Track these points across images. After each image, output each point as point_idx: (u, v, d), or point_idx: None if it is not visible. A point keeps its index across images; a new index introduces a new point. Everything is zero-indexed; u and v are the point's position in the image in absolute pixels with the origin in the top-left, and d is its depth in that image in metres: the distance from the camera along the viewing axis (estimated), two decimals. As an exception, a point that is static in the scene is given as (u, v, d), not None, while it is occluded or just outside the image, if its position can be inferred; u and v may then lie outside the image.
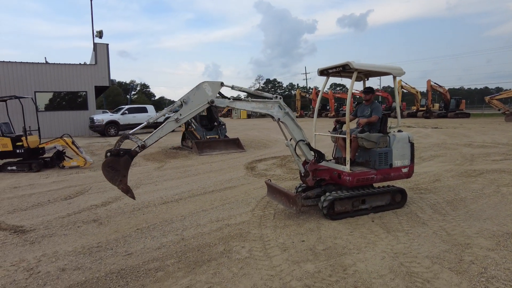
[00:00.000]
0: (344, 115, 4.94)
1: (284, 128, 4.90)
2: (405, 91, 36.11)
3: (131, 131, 4.27)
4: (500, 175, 7.24)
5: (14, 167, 9.51)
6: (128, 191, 4.14)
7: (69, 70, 21.35)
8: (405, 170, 5.15)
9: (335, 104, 42.26)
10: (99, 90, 24.84)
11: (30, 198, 6.49)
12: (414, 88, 35.96)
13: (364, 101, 5.54)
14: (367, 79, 5.77)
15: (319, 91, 6.25)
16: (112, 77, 23.46)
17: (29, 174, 9.10)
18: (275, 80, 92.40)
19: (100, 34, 23.44)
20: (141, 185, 7.37)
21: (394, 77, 5.18)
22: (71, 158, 9.92)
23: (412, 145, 5.21)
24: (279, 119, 4.75)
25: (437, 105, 36.64)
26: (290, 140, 4.92)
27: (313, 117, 5.74)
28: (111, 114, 22.17)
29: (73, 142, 9.70)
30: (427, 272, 3.21)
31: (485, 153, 10.27)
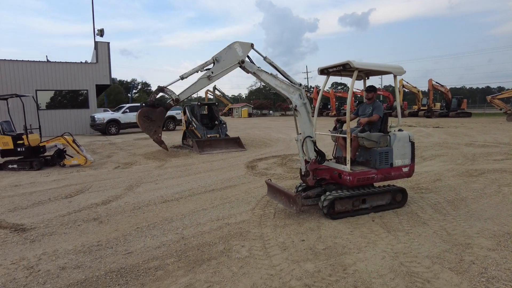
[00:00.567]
0: (345, 114, 4.92)
1: (298, 119, 4.88)
2: (406, 90, 36.05)
3: (166, 85, 4.35)
4: (502, 174, 7.22)
5: (15, 165, 9.53)
6: (161, 142, 4.36)
7: (70, 68, 21.37)
8: (405, 169, 5.14)
9: (336, 103, 42.21)
10: (100, 88, 24.86)
11: (30, 197, 6.50)
12: (415, 87, 35.91)
13: (366, 100, 5.52)
14: (368, 78, 5.75)
15: (320, 90, 6.24)
16: (113, 76, 23.61)
17: (30, 173, 9.11)
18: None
19: (101, 32, 23.44)
20: (142, 183, 7.37)
21: (395, 76, 5.16)
22: (72, 157, 9.93)
23: (412, 144, 5.19)
24: (296, 106, 4.73)
25: (438, 105, 36.58)
26: (300, 135, 4.89)
27: (313, 116, 5.72)
28: (112, 112, 22.20)
29: (74, 141, 9.70)
30: (427, 272, 3.20)
31: (487, 152, 10.24)
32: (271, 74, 4.69)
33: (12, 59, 20.12)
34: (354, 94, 36.25)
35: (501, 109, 28.03)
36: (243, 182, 7.22)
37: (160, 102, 4.21)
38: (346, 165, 4.76)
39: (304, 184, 5.24)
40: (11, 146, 9.48)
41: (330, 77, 5.51)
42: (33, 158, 9.61)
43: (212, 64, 4.40)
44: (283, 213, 5.04)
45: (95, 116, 20.51)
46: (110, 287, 3.13)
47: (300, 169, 5.04)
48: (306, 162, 4.91)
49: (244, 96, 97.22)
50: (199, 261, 3.58)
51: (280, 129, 22.41)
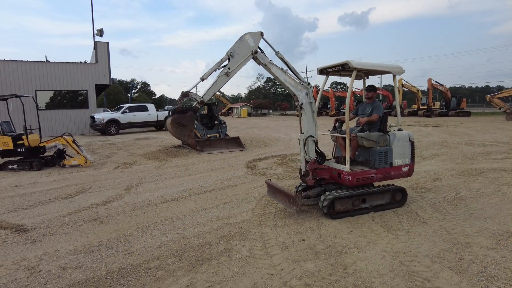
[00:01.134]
0: (344, 113, 4.94)
1: (302, 118, 4.91)
2: (406, 89, 36.07)
3: (189, 89, 4.59)
4: (501, 174, 7.24)
5: (15, 166, 9.53)
6: (195, 145, 4.54)
7: (69, 68, 21.36)
8: (405, 169, 5.15)
9: (336, 102, 42.21)
10: (99, 88, 24.86)
11: (31, 197, 6.51)
12: (415, 86, 35.93)
13: (366, 99, 5.53)
14: (367, 78, 5.76)
15: (319, 89, 6.25)
16: (112, 76, 23.46)
17: (30, 173, 9.12)
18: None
19: (100, 32, 23.44)
20: (142, 183, 7.38)
21: (394, 76, 5.17)
22: (72, 157, 9.94)
23: (412, 143, 5.20)
24: (302, 104, 4.76)
25: (438, 104, 36.61)
26: (303, 134, 4.90)
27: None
28: (112, 112, 22.19)
29: (73, 141, 9.71)
30: (427, 271, 3.22)
31: (486, 152, 10.26)
32: (281, 68, 4.75)
33: (11, 59, 20.13)
34: (353, 93, 36.27)
35: (500, 108, 28.04)
36: (243, 182, 7.24)
37: (188, 107, 4.41)
38: (345, 164, 4.77)
39: (304, 184, 5.25)
40: (11, 146, 9.49)
41: (330, 76, 5.52)
42: (33, 158, 9.61)
43: (228, 60, 4.49)
44: (283, 212, 5.05)
45: (95, 116, 20.50)
46: (111, 287, 3.14)
47: (300, 169, 5.05)
48: (307, 162, 4.93)
49: (243, 96, 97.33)
50: (199, 261, 3.59)
51: (279, 129, 22.42)
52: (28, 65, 20.37)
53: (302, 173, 4.98)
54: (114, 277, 3.31)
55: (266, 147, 13.19)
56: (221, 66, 4.53)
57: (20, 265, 3.61)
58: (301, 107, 4.79)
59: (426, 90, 35.50)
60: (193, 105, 4.42)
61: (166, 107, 47.22)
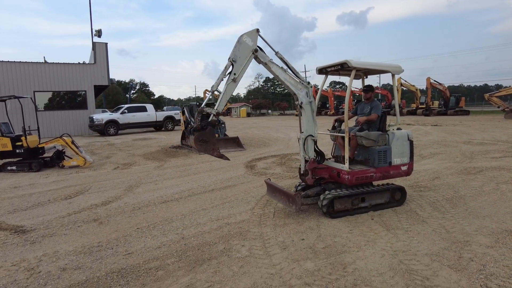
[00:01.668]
0: (343, 113, 4.94)
1: (302, 117, 4.92)
2: (404, 88, 36.12)
3: (202, 105, 4.66)
4: (500, 172, 7.26)
5: (14, 167, 9.52)
6: (222, 156, 4.61)
7: (68, 69, 21.33)
8: (404, 168, 5.16)
9: (335, 102, 42.24)
10: (98, 89, 24.81)
11: (30, 198, 6.50)
12: (413, 85, 35.99)
13: (364, 100, 5.54)
14: (366, 77, 5.76)
15: (318, 89, 6.26)
16: (111, 76, 23.42)
17: (29, 174, 9.11)
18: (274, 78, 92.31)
19: (99, 33, 23.41)
20: (141, 184, 7.38)
21: (393, 75, 5.18)
22: (71, 158, 9.93)
23: (411, 143, 5.21)
24: (301, 103, 4.77)
25: (436, 103, 36.67)
26: (303, 133, 4.91)
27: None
28: (111, 113, 22.15)
29: (72, 142, 9.70)
30: (426, 270, 3.23)
31: (485, 150, 10.28)
32: (281, 67, 4.76)
33: (9, 60, 20.08)
34: (352, 93, 36.30)
35: (499, 107, 28.14)
36: (242, 182, 7.24)
37: (206, 122, 4.49)
38: (344, 164, 4.78)
39: (303, 183, 5.25)
40: (9, 147, 9.48)
41: (329, 76, 5.53)
42: (32, 159, 9.60)
43: (231, 67, 4.51)
44: (283, 212, 5.06)
45: (94, 117, 20.47)
46: (111, 288, 3.14)
47: (299, 168, 5.05)
48: (306, 161, 4.93)
49: (242, 95, 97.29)
50: (199, 261, 3.59)
51: (279, 129, 22.43)
52: (27, 66, 20.34)
53: (302, 172, 4.98)
54: (114, 277, 3.31)
55: (265, 147, 13.19)
56: (226, 74, 4.56)
57: (20, 266, 3.61)
58: (300, 106, 4.80)
59: (425, 89, 35.56)
60: (210, 120, 4.49)
61: (165, 108, 47.15)
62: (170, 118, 23.24)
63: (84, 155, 9.78)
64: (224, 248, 3.89)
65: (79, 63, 22.10)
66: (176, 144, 14.09)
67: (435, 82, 33.87)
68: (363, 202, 4.93)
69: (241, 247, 3.90)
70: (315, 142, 4.89)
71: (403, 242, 3.86)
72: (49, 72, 20.86)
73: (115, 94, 65.16)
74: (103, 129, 20.28)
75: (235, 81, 4.53)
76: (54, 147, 9.97)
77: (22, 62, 20.35)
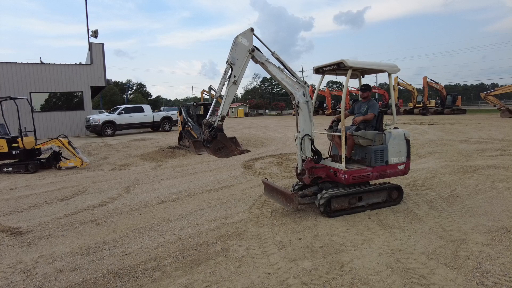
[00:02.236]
0: (340, 112, 4.95)
1: (299, 117, 4.93)
2: (401, 88, 36.23)
3: (206, 117, 4.73)
4: (496, 170, 7.29)
5: (10, 169, 9.46)
6: (243, 151, 4.77)
7: (64, 70, 21.23)
8: (401, 167, 5.18)
9: (332, 101, 42.31)
10: (95, 90, 24.74)
11: (26, 200, 6.47)
12: (410, 84, 36.10)
13: (361, 99, 5.55)
14: (363, 77, 5.77)
15: (315, 88, 6.27)
16: (108, 77, 23.39)
17: (25, 175, 9.06)
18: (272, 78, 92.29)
19: (95, 33, 23.34)
20: (138, 185, 7.36)
21: (389, 74, 5.19)
22: (68, 159, 9.89)
23: (408, 142, 5.23)
24: (298, 102, 4.78)
25: (433, 102, 36.80)
26: (299, 133, 4.91)
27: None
28: (108, 114, 22.08)
29: (69, 143, 9.66)
30: (423, 268, 3.24)
31: (481, 149, 10.33)
32: (278, 67, 4.77)
33: (5, 61, 19.96)
34: (349, 92, 36.38)
35: (495, 106, 28.25)
36: (240, 182, 7.24)
37: (215, 131, 4.59)
38: (341, 163, 4.78)
39: (300, 183, 5.26)
40: (5, 149, 9.43)
41: (326, 76, 5.53)
42: (28, 161, 9.56)
43: (230, 69, 4.51)
44: (280, 212, 5.06)
45: (91, 118, 20.39)
46: (108, 289, 3.13)
47: (296, 168, 5.06)
48: (303, 160, 4.94)
49: (240, 95, 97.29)
50: (197, 261, 3.59)
51: (276, 129, 22.44)
52: (23, 67, 20.23)
53: (299, 171, 4.99)
54: (111, 278, 3.30)
55: (263, 147, 13.19)
56: (227, 77, 4.57)
57: (16, 268, 3.59)
58: (297, 106, 4.81)
59: (421, 88, 35.67)
60: (216, 125, 4.56)
61: (162, 108, 47.03)
62: (167, 119, 23.20)
63: (81, 156, 9.74)
64: (221, 248, 3.89)
65: (75, 64, 22.01)
66: (173, 145, 14.07)
67: (431, 81, 33.98)
68: (360, 201, 4.94)
69: (239, 247, 3.90)
70: (312, 142, 4.90)
71: (400, 241, 3.87)
72: (45, 73, 20.76)
73: (112, 94, 64.94)
74: (100, 130, 20.21)
75: (235, 83, 4.55)
76: (51, 148, 9.92)
77: (18, 63, 20.23)
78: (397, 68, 5.16)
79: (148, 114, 22.44)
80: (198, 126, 13.42)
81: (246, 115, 53.24)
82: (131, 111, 21.98)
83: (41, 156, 10.15)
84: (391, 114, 5.45)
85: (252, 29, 4.60)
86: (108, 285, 3.19)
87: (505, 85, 29.27)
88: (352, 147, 5.17)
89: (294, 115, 5.13)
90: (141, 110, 22.52)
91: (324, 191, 4.78)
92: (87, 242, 4.22)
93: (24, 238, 4.44)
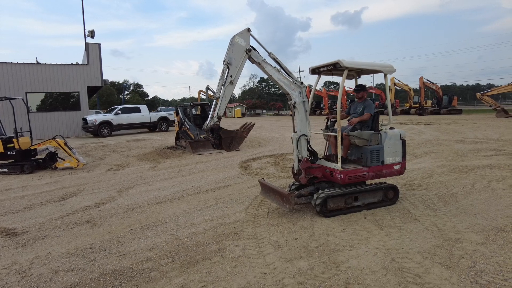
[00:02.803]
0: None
1: (295, 117, 4.95)
2: (398, 88, 36.38)
3: (204, 124, 4.93)
4: (491, 170, 7.35)
5: (5, 169, 9.41)
6: (250, 127, 5.00)
7: (60, 70, 21.14)
8: (397, 167, 5.20)
9: (329, 102, 42.41)
10: (92, 90, 24.65)
11: (22, 200, 6.44)
12: (407, 85, 36.27)
13: (356, 99, 5.58)
14: (359, 77, 5.80)
15: (312, 89, 6.29)
16: (105, 77, 23.29)
17: (21, 176, 9.01)
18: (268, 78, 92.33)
19: (92, 33, 23.25)
20: (135, 185, 7.34)
21: (385, 75, 5.21)
22: (64, 159, 9.84)
23: (404, 142, 5.25)
24: (295, 103, 4.80)
25: (429, 102, 36.98)
26: (296, 133, 4.93)
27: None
28: (104, 114, 22.01)
29: (65, 143, 9.62)
30: (418, 267, 3.26)
31: (477, 148, 10.40)
32: (275, 67, 4.79)
33: (1, 61, 19.84)
34: (346, 92, 36.48)
35: (490, 106, 28.41)
36: (236, 182, 7.24)
37: (216, 130, 4.86)
38: (337, 163, 4.80)
39: (297, 183, 5.27)
40: (1, 149, 9.38)
41: (322, 76, 5.55)
42: (24, 161, 9.51)
43: (227, 70, 4.53)
44: (277, 212, 5.07)
45: (87, 118, 20.32)
46: (104, 289, 3.12)
47: (293, 168, 5.07)
48: (299, 160, 4.95)
49: (237, 96, 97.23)
50: (193, 261, 3.59)
51: (273, 129, 22.46)
52: (19, 67, 20.12)
53: (295, 171, 5.00)
54: (107, 279, 3.30)
55: (260, 147, 13.19)
56: (224, 77, 4.59)
57: (11, 269, 3.57)
58: (294, 106, 4.82)
59: (418, 88, 35.85)
60: (213, 124, 4.71)
61: (159, 108, 46.90)
62: (164, 119, 23.18)
63: (77, 157, 9.71)
64: (217, 248, 3.89)
65: (72, 64, 21.92)
66: (170, 145, 14.04)
67: (428, 82, 34.15)
68: (356, 201, 4.96)
69: (235, 247, 3.90)
70: (308, 142, 4.92)
71: (395, 241, 3.89)
72: (41, 73, 20.66)
73: (108, 95, 64.72)
74: (96, 130, 20.15)
75: (232, 83, 4.59)
76: (47, 148, 9.88)
77: (14, 63, 20.13)
78: (392, 69, 5.19)
79: (145, 115, 22.39)
80: (195, 126, 13.41)
81: (243, 115, 53.22)
82: (128, 112, 21.93)
83: (37, 157, 10.11)
84: (387, 114, 5.48)
85: (249, 29, 4.61)
86: (104, 285, 3.18)
87: (501, 85, 29.45)
88: (348, 147, 5.19)
89: (291, 115, 5.17)
90: (138, 110, 22.47)
91: (320, 191, 4.79)
92: (83, 243, 4.20)
93: (20, 239, 4.42)
